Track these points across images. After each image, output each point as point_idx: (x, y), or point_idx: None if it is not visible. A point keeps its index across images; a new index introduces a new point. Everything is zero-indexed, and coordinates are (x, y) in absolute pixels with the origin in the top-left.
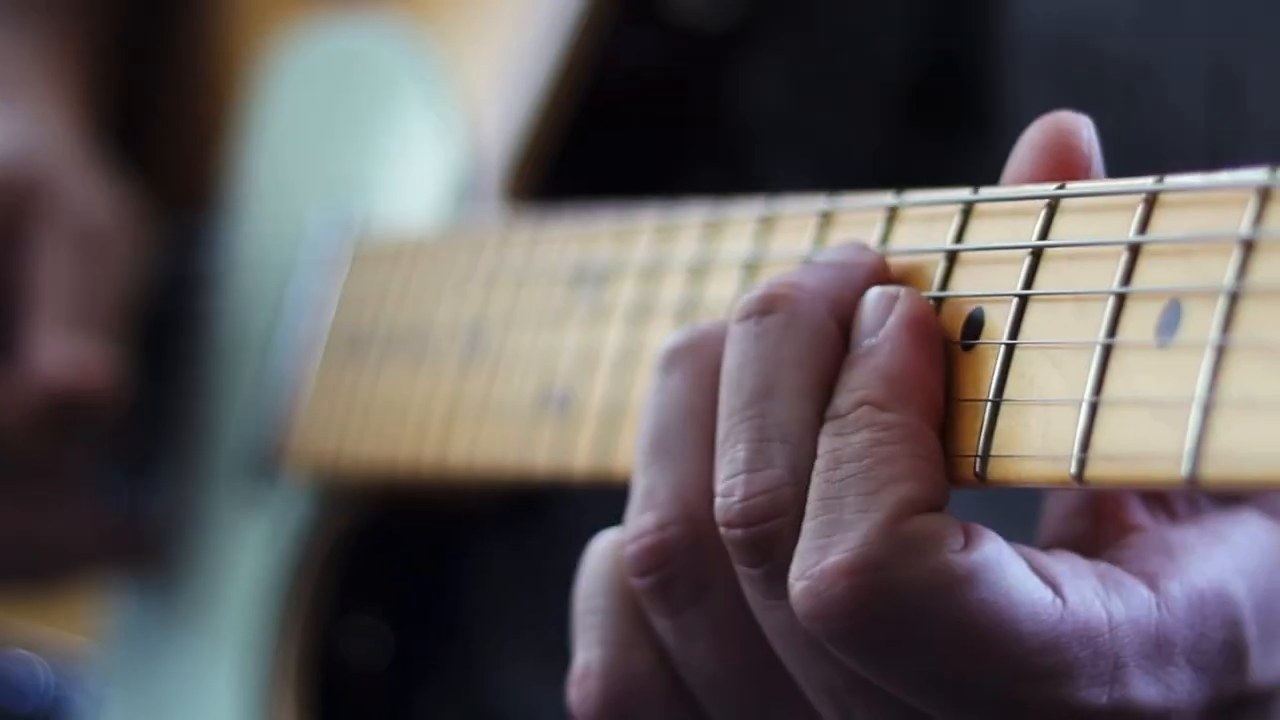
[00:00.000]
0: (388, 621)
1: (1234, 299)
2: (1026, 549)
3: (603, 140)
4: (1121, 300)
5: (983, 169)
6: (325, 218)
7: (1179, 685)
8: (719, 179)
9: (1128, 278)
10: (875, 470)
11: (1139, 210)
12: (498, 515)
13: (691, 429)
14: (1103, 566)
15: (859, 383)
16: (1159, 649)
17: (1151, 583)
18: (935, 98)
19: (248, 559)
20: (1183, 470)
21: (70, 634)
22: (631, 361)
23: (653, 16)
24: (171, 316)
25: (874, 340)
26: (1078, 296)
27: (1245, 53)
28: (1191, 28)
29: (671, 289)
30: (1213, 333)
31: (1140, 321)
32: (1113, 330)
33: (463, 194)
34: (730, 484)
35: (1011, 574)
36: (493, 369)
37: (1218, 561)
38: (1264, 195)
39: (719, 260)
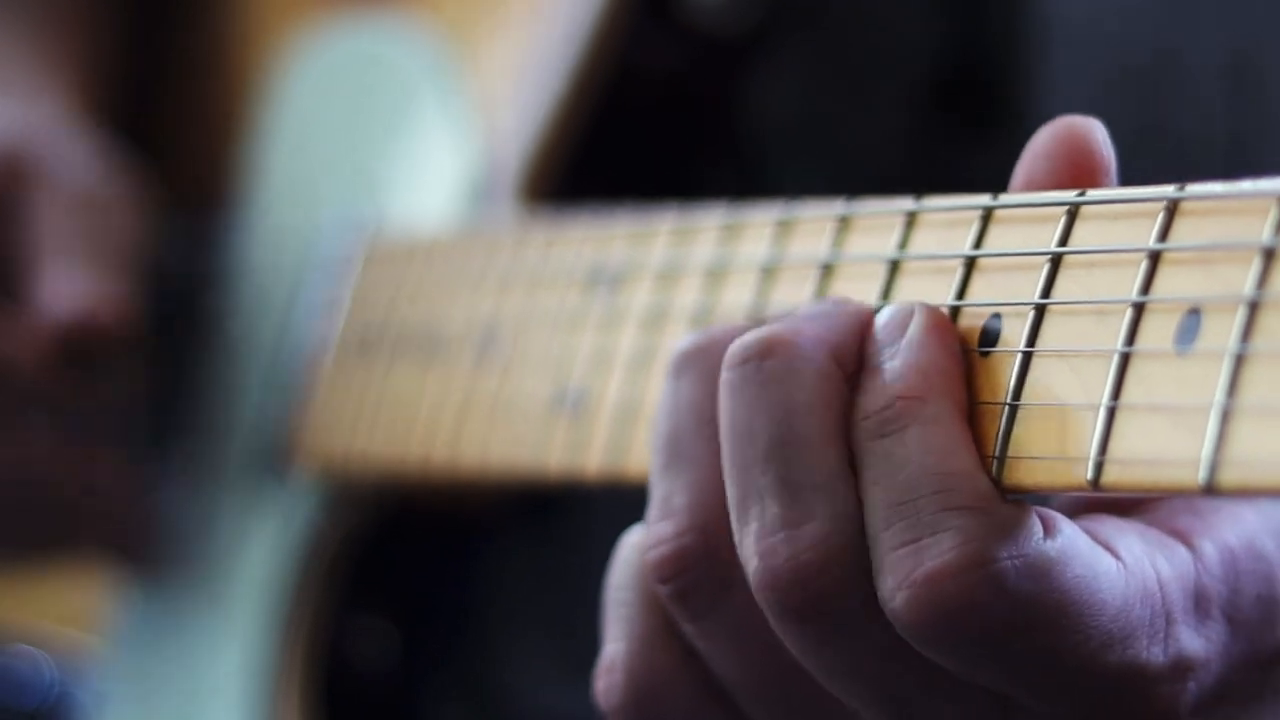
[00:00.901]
0: (394, 622)
1: (1254, 308)
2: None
3: (619, 143)
4: (1140, 308)
5: (1005, 168)
6: (339, 218)
7: (1216, 639)
8: (736, 183)
9: (1147, 285)
10: (945, 464)
11: (1160, 218)
12: (505, 516)
13: (705, 434)
14: (1139, 525)
15: (893, 379)
16: (1198, 604)
17: (1185, 540)
18: (955, 97)
19: (255, 557)
20: (1200, 477)
21: (74, 630)
22: (646, 362)
23: (670, 20)
24: (183, 315)
25: (898, 346)
26: (1098, 307)
27: (1268, 46)
28: (1214, 21)
29: (687, 292)
30: (1232, 341)
31: (1159, 329)
32: (1131, 338)
33: (477, 195)
34: (770, 544)
35: (1085, 546)
36: (506, 369)
37: (1247, 519)
38: None
39: (736, 264)
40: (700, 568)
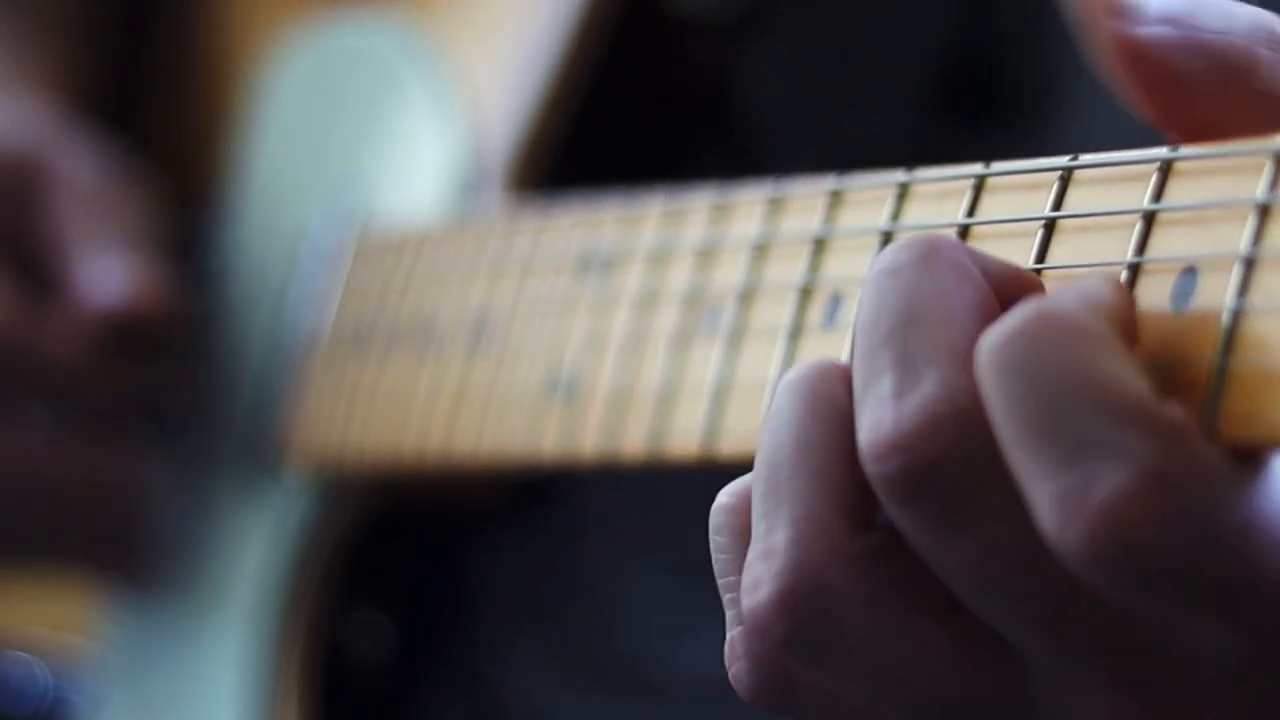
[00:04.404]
0: (391, 617)
1: (1250, 264)
2: None
3: (609, 132)
4: (1136, 268)
5: (1004, 156)
6: (327, 214)
7: None
8: (728, 170)
9: (1142, 246)
10: (1097, 361)
11: (1154, 179)
12: (501, 510)
13: (804, 463)
14: None
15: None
16: None
17: None
18: (958, 86)
19: (251, 556)
20: None
21: (68, 635)
22: (639, 345)
23: (658, 7)
24: (174, 315)
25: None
26: (1093, 270)
27: None
28: None
29: (679, 272)
30: (1229, 297)
31: (1156, 288)
32: None
33: (466, 186)
34: (876, 417)
35: None
36: (499, 357)
37: None
38: None
39: (727, 243)
40: (805, 610)
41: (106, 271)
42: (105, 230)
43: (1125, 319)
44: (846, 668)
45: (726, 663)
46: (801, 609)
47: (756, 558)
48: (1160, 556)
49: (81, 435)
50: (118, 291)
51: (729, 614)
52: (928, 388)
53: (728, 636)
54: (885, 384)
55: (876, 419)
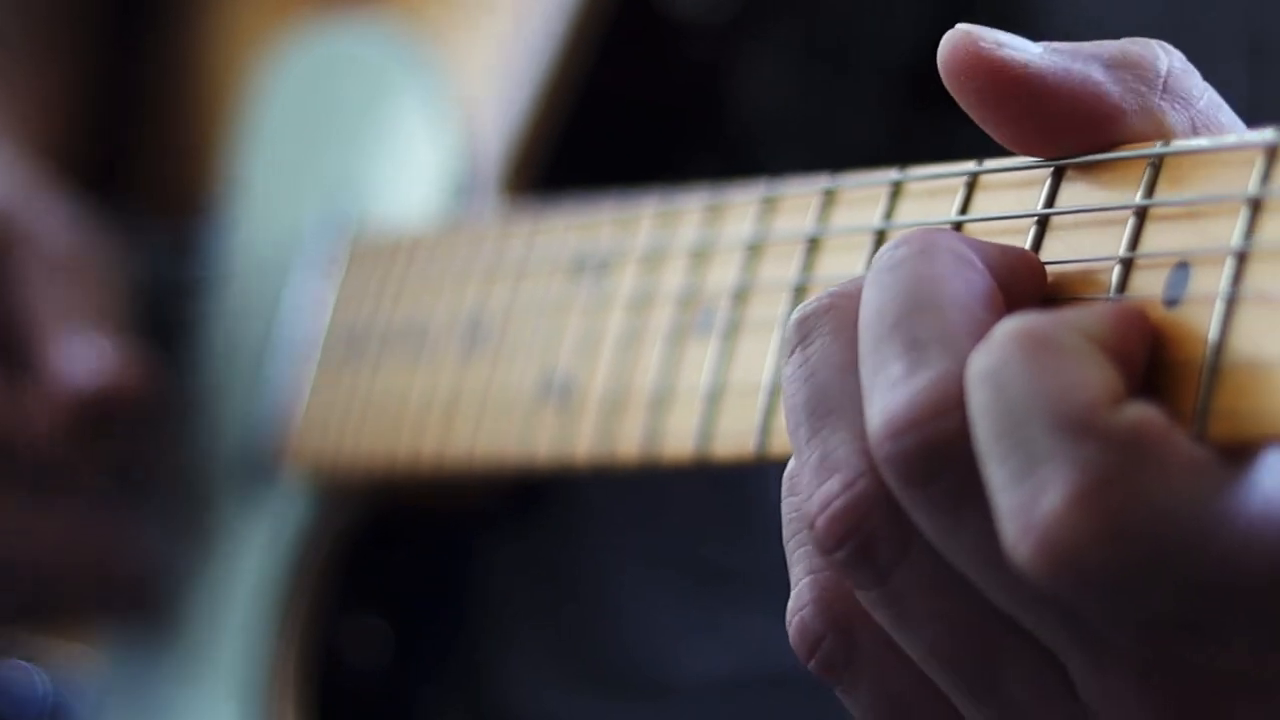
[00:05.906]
0: (388, 621)
1: (1242, 258)
2: None
3: (602, 134)
4: (1129, 264)
5: (991, 153)
6: (322, 218)
7: None
8: (720, 171)
9: (1135, 242)
10: (1050, 378)
11: (1146, 175)
12: (498, 512)
13: (853, 381)
14: None
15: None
16: None
17: None
18: (939, 83)
19: (247, 561)
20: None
21: (68, 642)
22: (633, 346)
23: (651, 9)
24: (169, 322)
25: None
26: (1086, 265)
27: None
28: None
29: (673, 274)
30: (1223, 286)
31: (1148, 284)
32: (1121, 293)
33: (460, 190)
34: (888, 399)
35: None
36: (493, 360)
37: None
38: (1271, 154)
39: (721, 243)
40: (879, 515)
41: (79, 354)
42: (77, 308)
43: (1111, 338)
44: (910, 588)
45: (788, 616)
46: (875, 511)
47: (819, 481)
48: (1118, 567)
49: (60, 507)
50: (94, 373)
51: (797, 568)
52: (941, 365)
53: (793, 589)
54: (895, 368)
55: (888, 400)
